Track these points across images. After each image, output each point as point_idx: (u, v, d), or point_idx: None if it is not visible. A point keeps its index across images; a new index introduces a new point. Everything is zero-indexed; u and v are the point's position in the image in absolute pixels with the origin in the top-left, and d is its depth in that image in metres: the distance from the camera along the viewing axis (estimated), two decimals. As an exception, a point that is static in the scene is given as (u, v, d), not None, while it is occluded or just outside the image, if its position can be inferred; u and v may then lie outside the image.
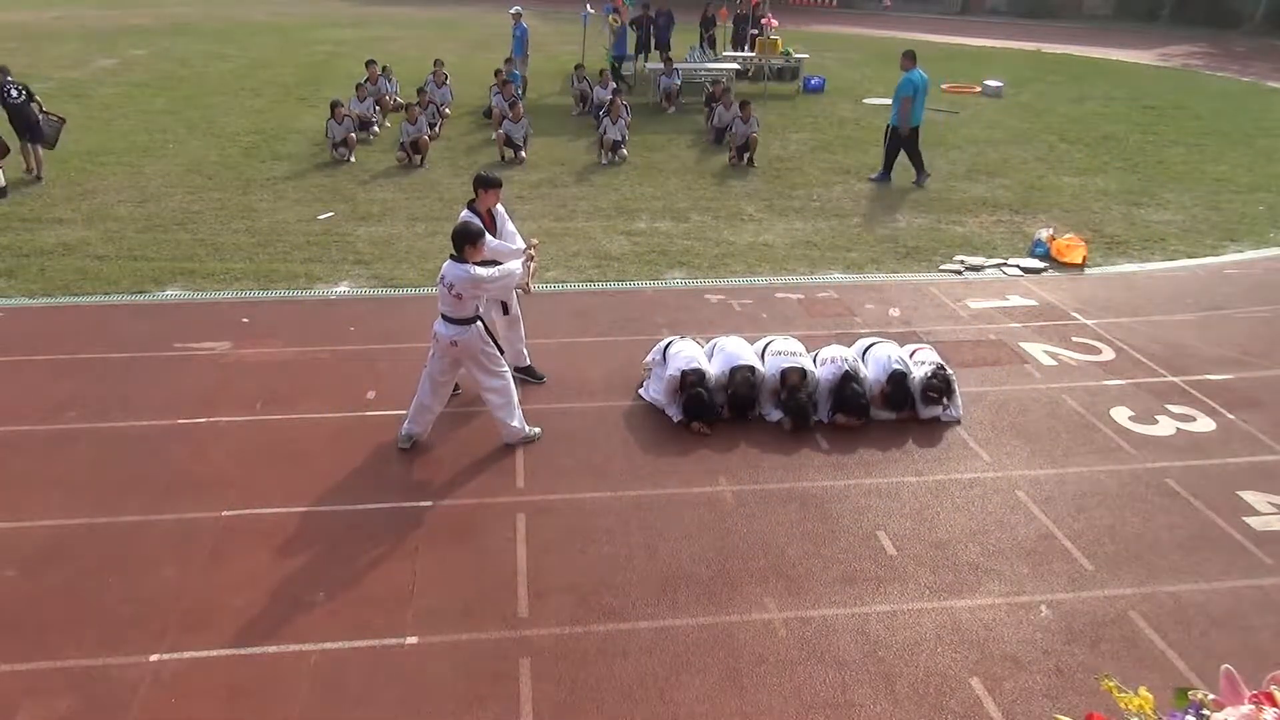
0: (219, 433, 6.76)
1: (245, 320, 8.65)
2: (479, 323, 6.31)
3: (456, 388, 7.02)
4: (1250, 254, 11.06)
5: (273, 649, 4.77)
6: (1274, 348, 8.41)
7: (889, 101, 14.22)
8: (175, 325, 8.51)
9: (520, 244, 7.06)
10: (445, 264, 6.23)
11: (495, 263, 6.49)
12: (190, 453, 6.50)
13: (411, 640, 4.85)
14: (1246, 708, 2.05)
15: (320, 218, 11.63)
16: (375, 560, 5.46)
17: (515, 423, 6.58)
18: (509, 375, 6.59)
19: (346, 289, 9.53)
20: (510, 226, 7.17)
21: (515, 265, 6.57)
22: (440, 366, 6.43)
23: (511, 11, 20.18)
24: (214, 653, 4.74)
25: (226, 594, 5.15)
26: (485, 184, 6.96)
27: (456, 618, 5.01)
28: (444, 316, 6.27)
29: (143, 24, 29.90)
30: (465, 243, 6.16)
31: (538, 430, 6.73)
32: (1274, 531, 5.83)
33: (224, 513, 5.84)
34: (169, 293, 9.33)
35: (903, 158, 13.61)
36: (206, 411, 7.01)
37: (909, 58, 13.13)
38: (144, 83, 20.19)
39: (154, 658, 4.69)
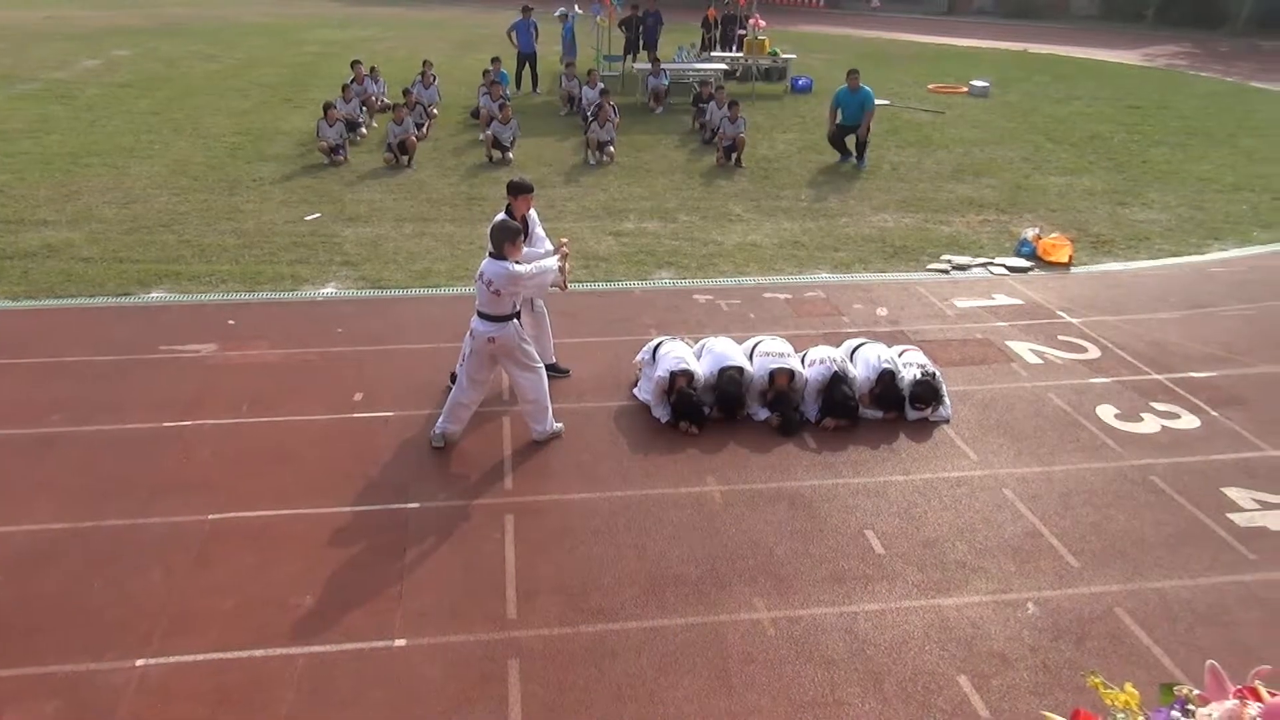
0: (205, 435, 6.73)
1: (231, 322, 8.61)
2: (516, 320, 6.37)
3: (453, 376, 7.01)
4: (1234, 252, 11.14)
5: (259, 652, 4.75)
6: (1257, 345, 8.47)
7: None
8: (161, 327, 8.46)
9: (550, 246, 7.11)
10: (484, 262, 6.29)
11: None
12: (176, 456, 6.46)
13: (400, 643, 4.84)
14: (1231, 703, 2.06)
15: (307, 219, 11.58)
16: (363, 563, 5.44)
17: (544, 422, 6.66)
18: (543, 372, 6.65)
19: (333, 290, 9.50)
20: (540, 231, 7.23)
21: (551, 263, 6.62)
22: (476, 364, 6.46)
23: (557, 13, 20.45)
24: (200, 657, 4.71)
25: (213, 597, 5.12)
26: (518, 190, 6.97)
27: (445, 619, 4.99)
28: (481, 314, 6.31)
29: (129, 24, 29.74)
30: (505, 240, 6.21)
31: (561, 425, 6.79)
32: (1258, 527, 5.87)
33: (210, 516, 5.81)
34: (154, 295, 9.28)
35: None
36: (193, 414, 6.98)
37: (856, 76, 14.59)
38: (129, 83, 20.08)
39: (139, 662, 4.66)
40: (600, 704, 4.48)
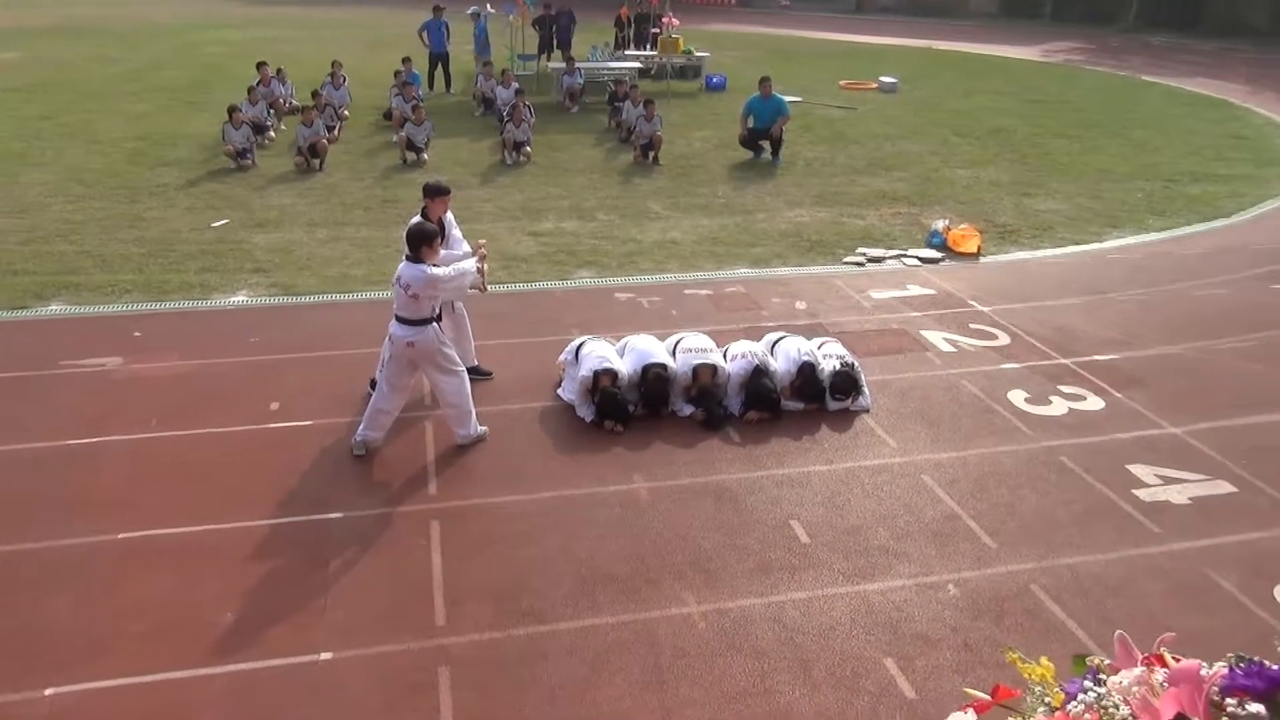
0: (113, 452, 6.47)
1: (137, 334, 8.30)
2: (435, 324, 6.28)
3: (373, 382, 6.87)
4: (1130, 239, 11.62)
5: (177, 674, 4.58)
6: (1153, 328, 8.85)
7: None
8: (61, 342, 8.10)
9: (467, 248, 7.04)
10: (401, 265, 6.19)
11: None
12: (83, 475, 6.20)
13: (326, 656, 4.73)
14: (1139, 670, 2.14)
15: (214, 225, 11.23)
16: (284, 576, 5.30)
17: (467, 426, 6.56)
18: (465, 375, 6.55)
19: (245, 298, 9.23)
20: (458, 233, 7.15)
21: (469, 264, 6.54)
22: (396, 369, 6.34)
23: (469, 11, 20.31)
24: (115, 682, 4.52)
25: (126, 620, 4.93)
26: (434, 192, 6.88)
27: (372, 630, 4.90)
28: (399, 318, 6.20)
29: (13, 25, 28.39)
30: (422, 243, 6.12)
31: (485, 429, 6.70)
32: (1160, 502, 6.14)
33: (121, 535, 5.59)
34: (53, 308, 8.89)
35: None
36: (99, 430, 6.70)
37: (769, 83, 14.82)
38: (15, 87, 19.18)
39: (49, 691, 4.46)
40: (533, 706, 4.45)
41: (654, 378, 6.99)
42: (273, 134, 15.55)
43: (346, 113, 16.80)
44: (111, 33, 27.99)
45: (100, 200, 12.08)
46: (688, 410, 7.09)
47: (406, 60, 17.54)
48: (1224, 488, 6.29)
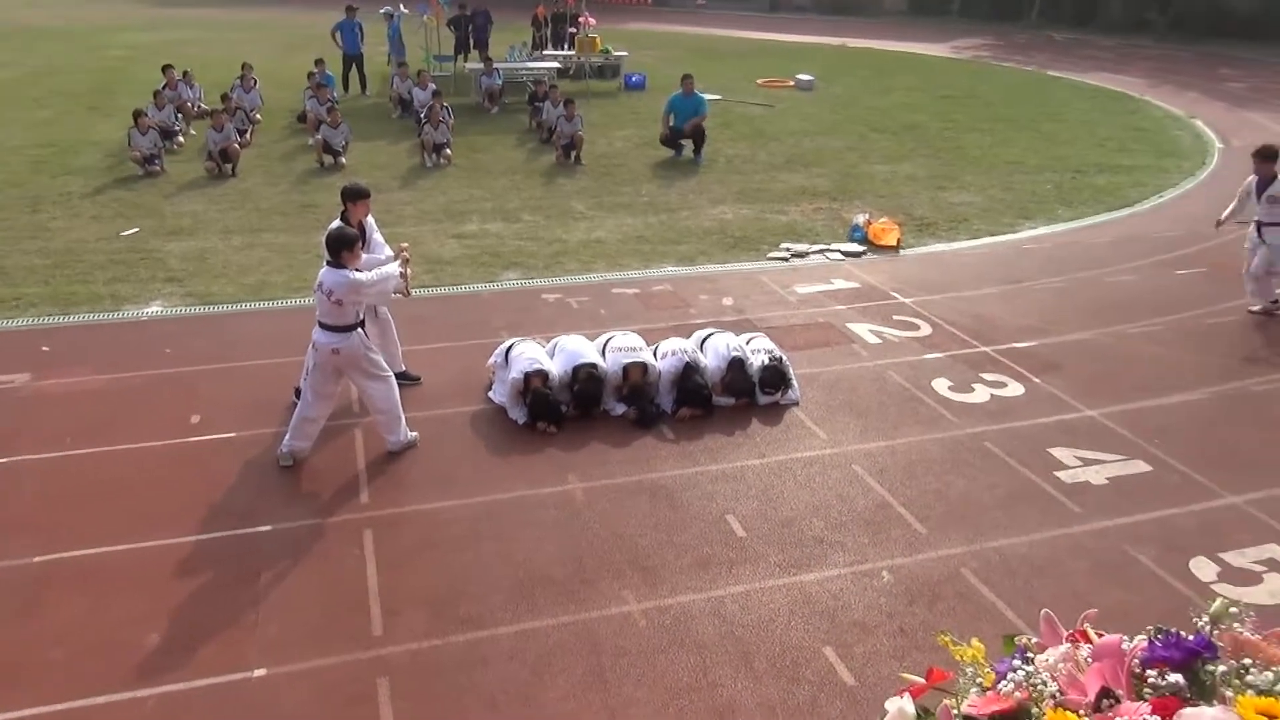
0: (25, 472, 6.20)
1: (45, 349, 7.97)
2: (360, 329, 6.17)
3: (298, 391, 6.71)
4: (1043, 229, 12.00)
5: (100, 700, 4.41)
6: (1068, 315, 9.15)
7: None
8: (-38, 359, 7.74)
9: (389, 252, 6.94)
10: (322, 271, 6.07)
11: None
12: (-10, 497, 5.93)
13: (259, 672, 4.61)
14: (1064, 647, 2.22)
15: (123, 234, 10.85)
16: (213, 593, 5.15)
17: (398, 432, 6.46)
18: (393, 380, 6.45)
19: (159, 309, 8.93)
20: (379, 237, 7.05)
21: (392, 268, 6.45)
22: (321, 377, 6.21)
23: (382, 11, 19.97)
24: (31, 712, 4.33)
25: (43, 647, 4.72)
26: (354, 195, 6.78)
27: (306, 644, 4.79)
28: (322, 325, 6.08)
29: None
30: (343, 248, 6.02)
31: (416, 435, 6.60)
32: (1081, 482, 6.35)
33: (35, 559, 5.36)
34: (-48, 324, 8.49)
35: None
36: (8, 451, 6.42)
37: (691, 81, 14.99)
38: (-95, 94, 18.27)
39: (-37, 726, 4.27)
40: (474, 713, 4.41)
41: (585, 377, 6.99)
42: (181, 139, 15.10)
43: (259, 116, 16.40)
44: (5, 35, 26.78)
45: (0, 211, 11.55)
46: (620, 409, 7.10)
47: (320, 62, 17.20)
48: (1139, 467, 6.54)
